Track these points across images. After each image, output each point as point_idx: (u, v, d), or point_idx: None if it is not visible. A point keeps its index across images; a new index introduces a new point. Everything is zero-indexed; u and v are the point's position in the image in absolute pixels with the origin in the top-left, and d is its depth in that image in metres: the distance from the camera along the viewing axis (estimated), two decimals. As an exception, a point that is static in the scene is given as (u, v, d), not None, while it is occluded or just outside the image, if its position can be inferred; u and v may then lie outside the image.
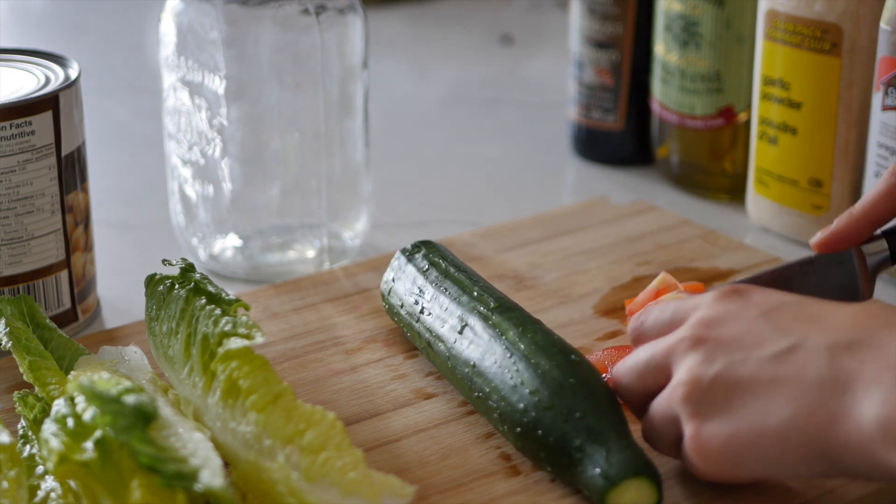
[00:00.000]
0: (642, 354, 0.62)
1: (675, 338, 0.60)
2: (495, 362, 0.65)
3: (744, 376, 0.57)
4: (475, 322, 0.68)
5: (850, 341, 0.55)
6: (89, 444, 0.56)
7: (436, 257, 0.76)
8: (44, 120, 0.75)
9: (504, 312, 0.68)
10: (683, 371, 0.59)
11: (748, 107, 0.97)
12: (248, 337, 0.61)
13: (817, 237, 0.69)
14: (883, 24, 0.81)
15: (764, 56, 0.90)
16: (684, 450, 0.59)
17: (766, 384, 0.56)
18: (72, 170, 0.78)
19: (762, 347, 0.57)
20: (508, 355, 0.65)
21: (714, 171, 1.00)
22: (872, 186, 0.68)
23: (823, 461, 0.55)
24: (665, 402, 0.60)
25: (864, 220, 0.68)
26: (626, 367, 0.63)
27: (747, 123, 0.97)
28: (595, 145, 1.09)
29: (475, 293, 0.71)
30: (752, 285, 0.62)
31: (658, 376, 0.61)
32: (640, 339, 0.65)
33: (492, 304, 0.69)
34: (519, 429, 0.63)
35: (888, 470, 0.53)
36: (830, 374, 0.55)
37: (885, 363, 0.53)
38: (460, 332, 0.69)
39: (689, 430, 0.58)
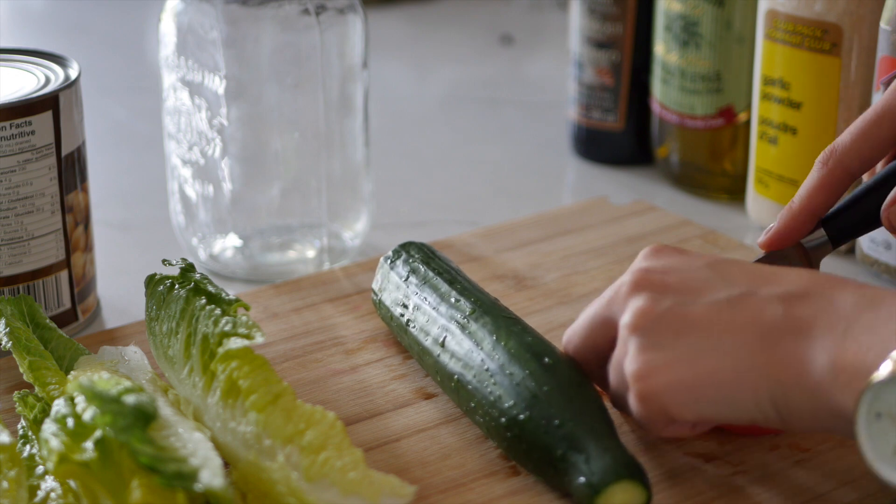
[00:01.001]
0: (583, 314, 0.63)
1: (615, 286, 0.61)
2: (475, 376, 0.65)
3: (696, 316, 0.57)
4: (454, 332, 0.68)
5: (804, 292, 0.57)
6: (89, 444, 0.56)
7: (416, 262, 0.75)
8: (44, 120, 0.75)
9: (479, 318, 0.68)
10: (629, 312, 0.59)
11: (748, 107, 0.97)
12: (248, 337, 0.61)
13: (762, 237, 0.70)
14: (883, 24, 0.81)
15: (764, 56, 0.90)
16: (628, 395, 0.59)
17: (721, 325, 0.57)
18: (72, 170, 0.78)
19: (713, 292, 0.58)
20: (485, 368, 0.65)
21: (714, 171, 1.00)
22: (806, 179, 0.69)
23: (773, 404, 0.56)
24: (616, 354, 0.60)
25: (804, 213, 0.69)
26: (571, 331, 0.64)
27: (747, 123, 0.97)
28: (595, 145, 1.09)
29: (452, 299, 0.70)
30: (678, 246, 0.63)
31: (604, 330, 0.61)
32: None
33: (468, 311, 0.69)
34: (505, 443, 0.63)
35: (834, 412, 0.54)
36: (786, 320, 0.56)
37: (837, 314, 0.55)
38: (442, 346, 0.68)
39: (633, 364, 0.58)
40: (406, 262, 0.75)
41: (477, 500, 0.62)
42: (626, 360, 0.59)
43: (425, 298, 0.72)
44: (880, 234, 0.84)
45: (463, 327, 0.68)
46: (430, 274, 0.73)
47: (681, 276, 0.59)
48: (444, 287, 0.72)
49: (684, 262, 0.60)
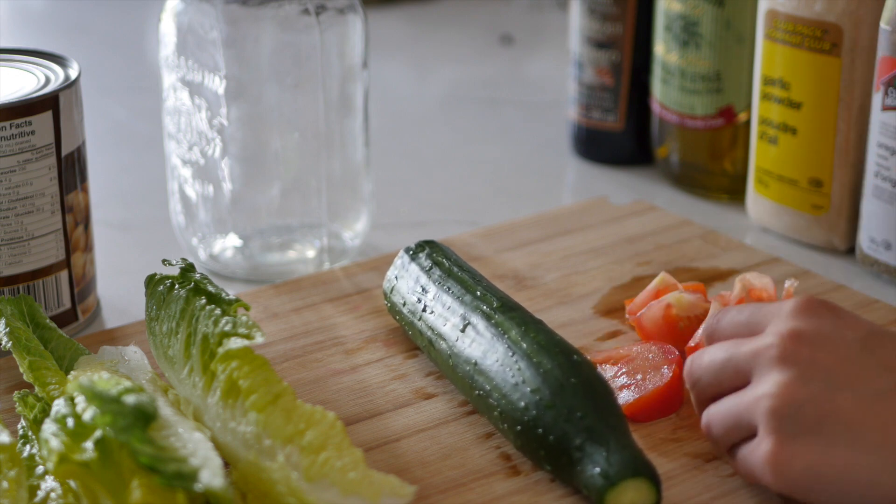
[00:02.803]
0: (720, 353, 0.61)
1: (762, 343, 0.59)
2: (497, 361, 0.65)
3: (841, 406, 0.56)
4: (478, 321, 0.68)
5: None
6: (89, 444, 0.56)
7: (439, 256, 0.76)
8: (44, 120, 0.75)
9: (507, 312, 0.68)
10: (772, 384, 0.57)
11: (748, 107, 0.97)
12: (248, 337, 0.61)
13: None
14: (883, 24, 0.81)
15: (764, 56, 0.90)
16: (754, 461, 0.57)
17: (864, 421, 0.55)
18: (72, 170, 0.78)
19: (864, 382, 0.56)
20: (510, 354, 0.65)
21: (714, 171, 1.00)
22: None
23: None
24: (740, 406, 0.58)
25: None
26: (703, 362, 0.62)
27: (747, 123, 0.97)
28: (595, 145, 1.09)
29: (478, 292, 0.71)
30: (830, 302, 0.60)
31: (735, 378, 0.60)
32: (712, 337, 0.63)
33: (495, 304, 0.69)
34: (519, 427, 0.63)
35: None
36: None
37: None
38: (462, 331, 0.69)
39: (769, 445, 0.56)
40: (429, 255, 0.76)
41: (477, 500, 0.62)
42: (761, 435, 0.57)
43: (448, 289, 0.72)
44: (880, 233, 0.84)
45: (488, 317, 0.68)
46: (455, 269, 0.74)
47: (833, 353, 0.57)
48: (470, 281, 0.72)
49: (837, 332, 0.58)
